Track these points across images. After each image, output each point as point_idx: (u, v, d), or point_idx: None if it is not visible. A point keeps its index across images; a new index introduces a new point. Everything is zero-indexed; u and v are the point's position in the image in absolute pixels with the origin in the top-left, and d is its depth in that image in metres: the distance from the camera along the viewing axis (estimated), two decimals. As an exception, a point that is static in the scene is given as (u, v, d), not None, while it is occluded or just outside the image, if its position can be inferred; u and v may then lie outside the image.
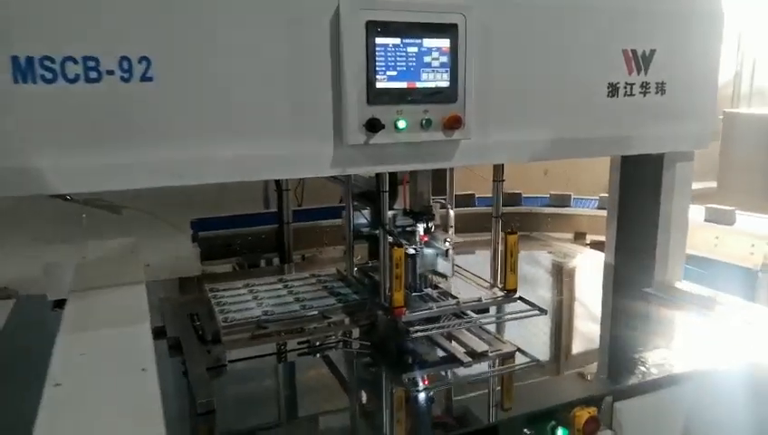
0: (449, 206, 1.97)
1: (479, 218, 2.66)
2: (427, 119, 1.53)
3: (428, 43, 1.51)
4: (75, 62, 1.27)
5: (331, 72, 1.47)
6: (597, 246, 2.94)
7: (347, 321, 1.79)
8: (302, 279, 2.09)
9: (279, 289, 1.97)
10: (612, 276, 2.35)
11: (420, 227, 1.84)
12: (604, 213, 2.94)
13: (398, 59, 1.49)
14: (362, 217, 2.02)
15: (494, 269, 1.91)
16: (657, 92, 1.88)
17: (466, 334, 1.81)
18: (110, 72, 1.30)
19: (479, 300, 1.78)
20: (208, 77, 1.38)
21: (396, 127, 1.50)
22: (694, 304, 1.99)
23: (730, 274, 2.56)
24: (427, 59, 1.52)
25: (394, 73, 1.49)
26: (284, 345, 1.67)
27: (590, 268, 2.66)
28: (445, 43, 1.53)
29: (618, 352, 1.88)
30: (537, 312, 1.77)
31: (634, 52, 1.81)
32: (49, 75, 1.26)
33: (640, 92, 1.85)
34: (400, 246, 1.63)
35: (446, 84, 1.55)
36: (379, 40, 1.46)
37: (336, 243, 2.76)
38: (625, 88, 1.83)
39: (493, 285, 1.90)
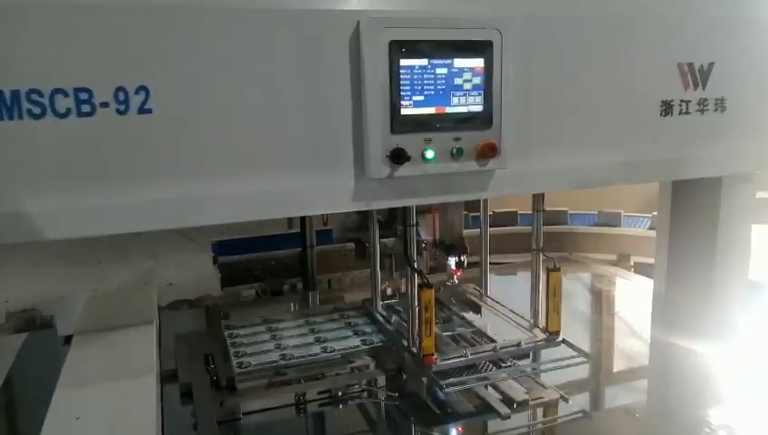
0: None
1: (521, 239, 2.47)
2: (458, 147, 1.37)
3: (460, 63, 1.35)
4: (66, 94, 1.14)
5: (351, 98, 1.32)
6: (641, 268, 2.74)
7: (371, 366, 1.64)
8: (326, 314, 1.94)
9: (300, 325, 1.83)
10: (662, 310, 2.13)
11: (452, 261, 1.68)
12: (651, 233, 2.76)
13: (425, 82, 1.33)
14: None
15: (534, 307, 1.73)
16: (716, 109, 1.68)
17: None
18: (105, 105, 1.17)
19: (518, 344, 1.61)
20: (213, 106, 1.24)
21: (423, 157, 1.34)
22: (756, 347, 1.78)
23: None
24: (458, 81, 1.35)
25: (421, 98, 1.33)
26: (303, 395, 1.52)
27: (633, 296, 2.45)
28: (478, 62, 1.36)
29: (675, 407, 1.67)
30: (582, 359, 1.59)
31: (690, 65, 1.62)
32: (37, 110, 1.13)
33: (697, 110, 1.65)
34: (430, 286, 1.47)
35: (479, 109, 1.38)
36: (404, 61, 1.30)
37: (363, 266, 2.60)
38: (680, 105, 1.63)
39: (533, 325, 1.72)
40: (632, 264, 2.76)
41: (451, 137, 1.37)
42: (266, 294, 2.54)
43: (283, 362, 1.59)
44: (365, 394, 1.60)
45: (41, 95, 1.13)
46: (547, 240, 1.81)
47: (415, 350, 1.55)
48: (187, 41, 1.20)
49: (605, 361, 1.94)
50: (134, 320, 1.56)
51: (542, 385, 1.64)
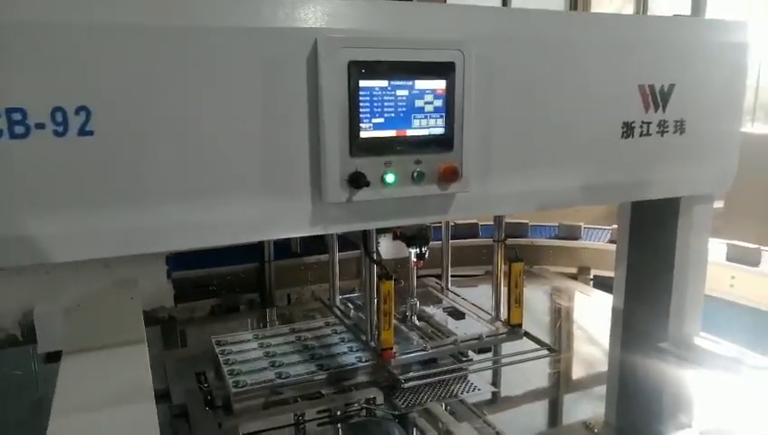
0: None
1: (482, 250, 2.46)
2: (419, 171, 1.32)
3: (421, 84, 1.31)
4: (-2, 114, 1.06)
5: (308, 120, 1.27)
6: (601, 281, 2.76)
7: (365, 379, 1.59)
8: (314, 329, 1.88)
9: (292, 341, 1.77)
10: (621, 325, 2.14)
11: (413, 253, 1.64)
12: (611, 247, 2.78)
13: (385, 104, 1.28)
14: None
15: (495, 299, 1.70)
16: (675, 131, 1.68)
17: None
18: (41, 126, 1.08)
19: (479, 338, 1.57)
20: (161, 128, 1.17)
21: (383, 181, 1.30)
22: (717, 365, 1.79)
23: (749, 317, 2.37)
24: (419, 103, 1.31)
25: (381, 120, 1.29)
26: (303, 415, 1.46)
27: (593, 312, 2.45)
28: (440, 84, 1.32)
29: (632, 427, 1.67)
30: (545, 351, 1.56)
31: (651, 87, 1.61)
32: (-37, 132, 1.05)
33: (658, 132, 1.65)
34: (390, 277, 1.42)
35: (440, 131, 1.34)
36: (363, 82, 1.25)
37: (322, 281, 2.55)
38: (641, 127, 1.63)
39: (494, 318, 1.69)
40: (591, 277, 2.77)
41: (412, 160, 1.32)
42: (221, 309, 2.46)
43: (279, 381, 1.52)
44: (363, 412, 1.53)
45: (-33, 115, 1.04)
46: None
47: (373, 344, 1.50)
48: (133, 58, 1.13)
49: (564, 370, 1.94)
50: (124, 338, 1.48)
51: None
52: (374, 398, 1.52)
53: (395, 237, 1.65)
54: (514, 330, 1.60)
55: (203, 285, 2.38)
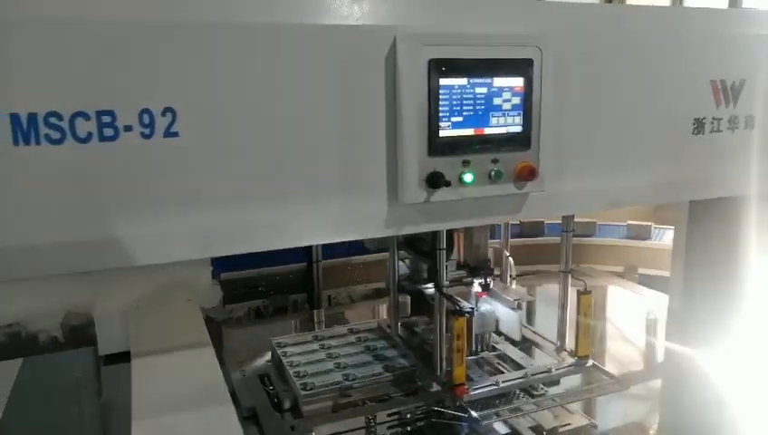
0: (506, 252, 1.75)
1: (548, 249, 2.44)
2: (497, 170, 1.30)
3: (499, 82, 1.29)
4: (87, 117, 1.05)
5: (385, 120, 1.25)
6: (645, 280, 2.72)
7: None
8: (373, 331, 1.86)
9: (353, 343, 1.77)
10: (676, 323, 2.10)
11: (477, 284, 1.62)
12: (658, 245, 2.74)
13: (464, 102, 1.26)
14: (403, 268, 1.80)
15: (561, 330, 1.68)
16: (746, 127, 1.64)
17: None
18: (128, 128, 1.08)
19: (549, 371, 1.55)
20: (244, 129, 1.16)
21: (461, 181, 1.28)
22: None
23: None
24: (497, 101, 1.29)
25: (460, 119, 1.27)
26: (374, 418, 1.45)
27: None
28: (518, 81, 1.30)
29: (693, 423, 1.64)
30: (618, 387, 1.54)
31: (723, 82, 1.58)
32: (56, 135, 1.04)
33: (728, 128, 1.62)
34: (462, 314, 1.41)
35: (518, 129, 1.32)
36: (443, 81, 1.23)
37: (367, 280, 2.53)
38: (712, 123, 1.59)
39: (560, 348, 1.67)
40: (637, 275, 2.73)
41: (489, 159, 1.30)
42: (265, 312, 2.44)
43: (347, 383, 1.51)
44: (434, 415, 1.50)
45: (60, 118, 1.04)
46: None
47: (444, 378, 1.49)
48: (216, 58, 1.12)
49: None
50: (189, 341, 1.48)
51: (569, 410, 1.59)
52: (444, 400, 1.50)
53: (458, 267, 1.63)
54: (582, 362, 1.58)
55: (251, 286, 2.37)
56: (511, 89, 1.30)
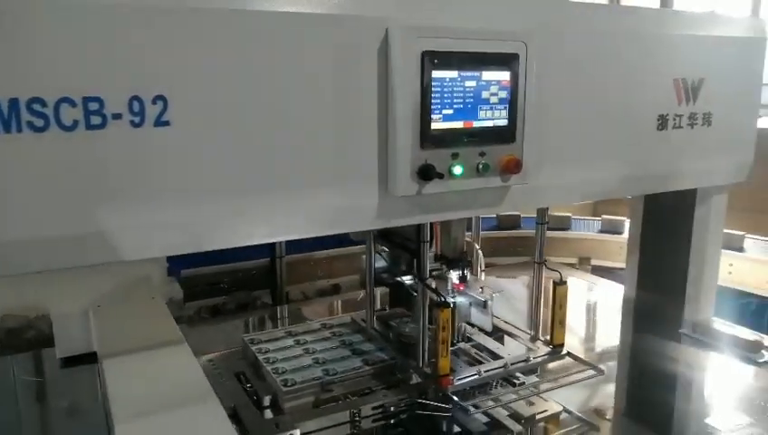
0: (476, 246, 1.78)
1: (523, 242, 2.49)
2: (485, 163, 1.32)
3: (487, 75, 1.30)
4: (73, 104, 0.99)
5: (377, 112, 1.24)
6: (598, 271, 2.83)
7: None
8: (347, 325, 1.84)
9: (328, 338, 1.74)
10: (632, 314, 2.20)
11: (454, 275, 1.64)
12: (608, 237, 2.86)
13: (455, 95, 1.27)
14: (381, 260, 1.80)
15: (534, 319, 1.72)
16: (703, 124, 1.73)
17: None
18: (117, 116, 1.02)
19: (527, 360, 1.59)
20: (236, 118, 1.12)
21: (451, 173, 1.29)
22: (739, 348, 1.86)
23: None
24: (485, 94, 1.31)
25: (450, 112, 1.28)
26: (358, 413, 1.43)
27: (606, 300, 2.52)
28: (504, 75, 1.32)
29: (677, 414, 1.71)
30: (593, 372, 1.59)
31: (684, 81, 1.66)
32: (39, 122, 0.97)
33: (688, 124, 1.70)
34: (447, 305, 1.42)
35: (504, 123, 1.34)
36: (435, 73, 1.24)
37: (330, 275, 2.52)
38: (674, 120, 1.67)
39: (534, 338, 1.71)
40: (590, 266, 2.84)
41: (477, 152, 1.32)
42: (224, 308, 2.38)
43: (328, 378, 1.49)
44: (417, 408, 1.50)
45: (44, 105, 0.97)
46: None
47: (428, 370, 1.49)
48: (208, 45, 1.08)
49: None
50: (162, 339, 1.42)
51: (543, 398, 1.63)
52: (427, 392, 1.51)
53: (436, 259, 1.64)
54: (558, 350, 1.63)
55: (213, 283, 2.31)
56: (498, 83, 1.32)
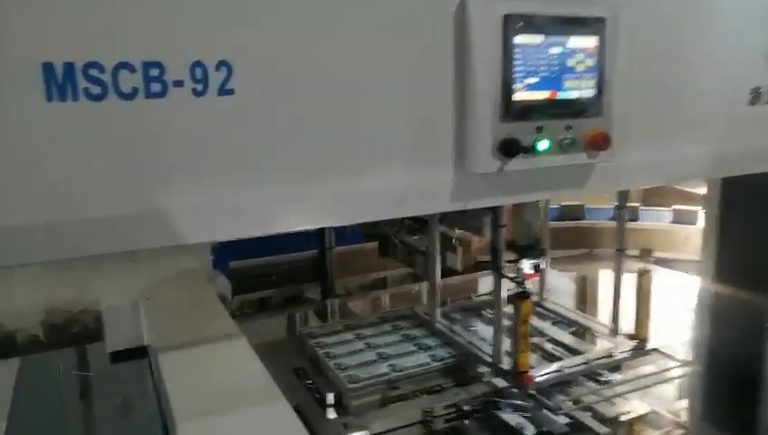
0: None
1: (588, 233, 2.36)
2: (571, 138, 1.20)
3: (574, 42, 1.18)
4: (132, 69, 0.90)
5: (453, 81, 1.13)
6: (662, 263, 2.67)
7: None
8: (409, 318, 1.73)
9: (389, 332, 1.65)
10: (710, 309, 2.04)
11: (527, 264, 1.52)
12: (675, 227, 2.70)
13: (539, 62, 1.15)
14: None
15: (615, 312, 1.59)
16: (796, 99, 1.57)
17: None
18: (179, 84, 0.93)
19: (611, 355, 1.46)
20: (304, 89, 1.02)
21: (535, 149, 1.17)
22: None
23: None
24: (570, 62, 1.18)
25: (535, 80, 1.16)
26: (431, 412, 1.33)
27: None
28: (591, 42, 1.20)
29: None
30: (684, 369, 1.46)
31: (777, 52, 1.51)
32: (96, 89, 0.89)
33: (781, 99, 1.55)
34: (528, 296, 1.30)
35: (591, 94, 1.22)
36: (518, 38, 1.12)
37: (380, 268, 2.41)
38: (766, 94, 1.52)
39: (614, 331, 1.58)
40: (653, 259, 2.68)
41: (562, 125, 1.20)
42: (270, 302, 2.29)
43: (395, 375, 1.39)
44: (491, 407, 1.40)
45: (101, 70, 0.89)
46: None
47: (505, 366, 1.38)
48: (277, 10, 0.98)
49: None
50: (217, 332, 1.34)
51: (625, 397, 1.50)
52: (501, 390, 1.39)
53: (509, 247, 1.52)
54: (642, 344, 1.49)
55: (262, 275, 2.22)
56: (584, 50, 1.19)
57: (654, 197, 2.97)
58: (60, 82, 0.87)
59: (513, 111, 1.14)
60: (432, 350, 1.53)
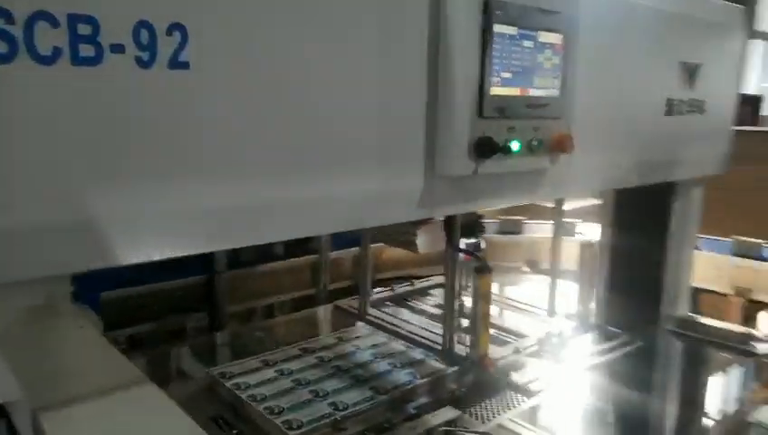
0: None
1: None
2: (538, 139, 1.12)
3: (544, 37, 1.11)
4: (55, 24, 0.65)
5: (426, 74, 1.00)
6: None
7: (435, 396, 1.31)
8: (331, 347, 1.54)
9: (316, 364, 1.42)
10: (604, 314, 2.10)
11: (463, 244, 1.42)
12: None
13: (513, 56, 1.06)
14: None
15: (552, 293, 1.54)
16: (699, 111, 1.67)
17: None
18: (118, 49, 0.69)
19: (559, 335, 1.40)
20: (262, 71, 0.83)
21: (508, 150, 1.07)
22: (730, 341, 1.81)
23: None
24: (540, 58, 1.11)
25: (508, 76, 1.06)
26: None
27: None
28: (558, 38, 1.14)
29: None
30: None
31: (686, 64, 1.59)
32: (2, 47, 0.63)
33: (688, 110, 1.63)
34: (490, 270, 1.20)
35: (556, 94, 1.15)
36: (497, 28, 1.02)
37: (280, 292, 2.18)
38: (677, 105, 1.59)
39: (552, 312, 1.54)
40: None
41: (531, 126, 1.12)
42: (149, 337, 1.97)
43: (340, 415, 1.18)
44: None
45: (9, 20, 0.63)
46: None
47: (467, 351, 1.26)
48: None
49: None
50: (116, 381, 1.03)
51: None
52: (455, 419, 1.26)
53: (445, 226, 1.41)
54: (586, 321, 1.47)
55: (139, 307, 1.89)
56: (552, 46, 1.13)
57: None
58: (-55, 32, 0.60)
59: (490, 108, 1.03)
60: (373, 380, 1.36)
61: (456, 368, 1.34)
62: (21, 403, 1.13)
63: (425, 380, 1.34)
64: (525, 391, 1.25)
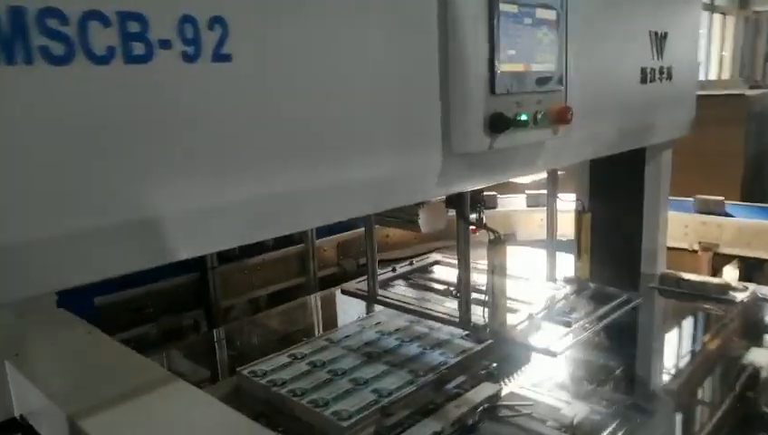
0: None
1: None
2: (543, 112, 1.17)
3: (540, 14, 1.15)
4: (106, 22, 0.65)
5: (438, 56, 1.03)
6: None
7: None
8: (354, 335, 1.55)
9: (345, 355, 1.44)
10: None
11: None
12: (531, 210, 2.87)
13: (517, 33, 1.10)
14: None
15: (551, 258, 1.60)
16: (668, 78, 1.76)
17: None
18: (166, 45, 0.70)
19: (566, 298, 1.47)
20: (296, 63, 0.84)
21: (518, 123, 1.11)
22: (711, 293, 1.92)
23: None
24: (538, 34, 1.16)
25: (513, 52, 1.10)
26: (440, 433, 1.16)
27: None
28: (552, 14, 1.18)
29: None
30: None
31: (656, 34, 1.67)
32: (58, 49, 0.62)
33: (659, 78, 1.71)
34: (503, 241, 1.26)
35: (554, 67, 1.20)
36: (503, 6, 1.06)
37: (271, 283, 2.18)
38: (650, 73, 1.67)
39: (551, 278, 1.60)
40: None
41: (534, 99, 1.16)
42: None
43: (386, 401, 1.19)
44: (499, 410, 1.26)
45: (63, 21, 0.62)
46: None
47: (485, 320, 1.31)
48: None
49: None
50: (146, 381, 1.02)
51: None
52: (494, 394, 1.30)
53: (448, 203, 1.45)
54: (585, 283, 1.53)
55: (136, 310, 1.86)
56: (548, 23, 1.17)
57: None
58: (5, 37, 0.59)
59: (501, 84, 1.07)
60: (409, 364, 1.39)
61: (486, 343, 1.39)
62: (50, 410, 1.12)
63: (458, 358, 1.38)
64: (549, 352, 1.30)
